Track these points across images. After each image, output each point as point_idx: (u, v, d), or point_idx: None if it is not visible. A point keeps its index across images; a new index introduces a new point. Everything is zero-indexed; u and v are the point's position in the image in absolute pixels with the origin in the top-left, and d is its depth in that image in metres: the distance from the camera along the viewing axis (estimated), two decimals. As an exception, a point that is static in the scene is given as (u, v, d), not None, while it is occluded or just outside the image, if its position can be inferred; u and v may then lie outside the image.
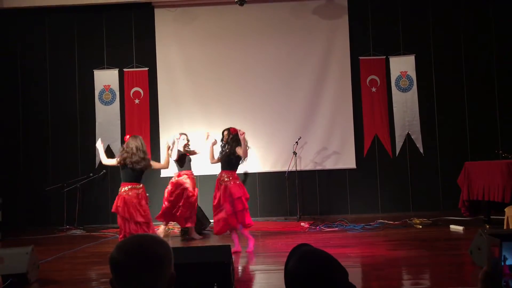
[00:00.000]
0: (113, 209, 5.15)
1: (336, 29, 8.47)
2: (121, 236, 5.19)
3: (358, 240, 5.97)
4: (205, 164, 6.67)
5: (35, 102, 8.59)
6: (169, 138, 6.72)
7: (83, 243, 6.44)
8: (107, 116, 8.54)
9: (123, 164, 5.13)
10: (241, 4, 7.38)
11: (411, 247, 5.39)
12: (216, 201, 5.61)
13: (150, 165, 5.31)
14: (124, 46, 8.59)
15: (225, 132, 5.77)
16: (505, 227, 5.31)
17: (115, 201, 5.14)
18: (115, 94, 8.58)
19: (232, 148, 5.61)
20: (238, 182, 5.61)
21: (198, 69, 8.52)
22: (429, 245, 5.44)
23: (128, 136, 5.36)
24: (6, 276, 3.96)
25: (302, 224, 7.25)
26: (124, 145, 5.23)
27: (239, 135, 5.57)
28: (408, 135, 8.33)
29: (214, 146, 5.97)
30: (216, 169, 6.01)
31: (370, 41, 8.47)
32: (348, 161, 8.31)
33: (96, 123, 8.51)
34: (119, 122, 8.53)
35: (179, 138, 6.74)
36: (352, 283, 1.27)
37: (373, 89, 8.40)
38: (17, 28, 8.58)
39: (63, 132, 8.52)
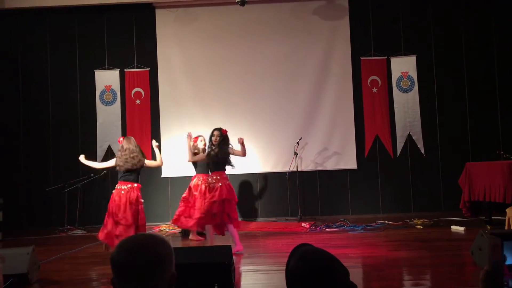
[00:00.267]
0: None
1: (337, 30, 8.47)
2: (101, 231, 5.32)
3: (359, 240, 5.97)
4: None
5: (36, 103, 8.59)
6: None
7: (84, 243, 6.44)
8: (108, 117, 8.54)
9: (118, 166, 5.43)
10: (242, 5, 7.39)
11: (412, 247, 5.39)
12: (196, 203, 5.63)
13: (142, 164, 5.52)
14: (125, 46, 8.60)
15: (216, 132, 5.70)
16: (506, 227, 5.30)
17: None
18: (116, 94, 8.59)
19: (222, 149, 5.63)
20: (227, 183, 5.65)
21: (199, 69, 8.53)
22: (430, 246, 5.44)
23: (121, 138, 5.62)
24: (6, 276, 3.96)
25: (303, 224, 7.24)
26: (119, 148, 5.52)
27: (239, 142, 5.68)
28: (409, 136, 8.32)
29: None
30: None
31: (371, 41, 8.47)
32: (349, 162, 8.30)
33: (97, 124, 8.52)
34: (120, 122, 8.53)
35: (196, 139, 6.61)
36: (353, 282, 1.26)
37: (374, 90, 8.40)
38: (18, 28, 8.59)
39: (64, 133, 8.53)
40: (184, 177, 7.57)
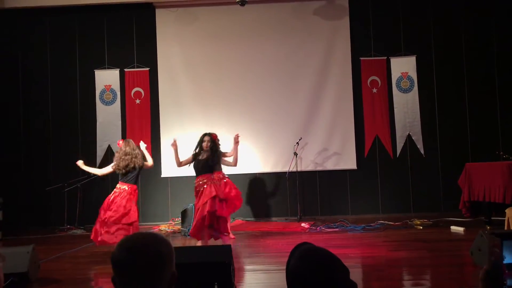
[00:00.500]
0: None
1: (337, 30, 8.47)
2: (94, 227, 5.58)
3: (359, 240, 5.97)
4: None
5: (36, 102, 8.59)
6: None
7: (84, 242, 6.44)
8: (108, 116, 8.54)
9: (117, 169, 5.69)
10: (242, 5, 7.39)
11: (411, 248, 5.39)
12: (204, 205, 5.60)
13: (136, 167, 5.68)
14: (125, 46, 8.60)
15: (207, 138, 5.83)
16: (505, 228, 5.31)
17: None
18: (116, 94, 8.59)
19: (213, 155, 5.76)
20: (225, 180, 5.84)
21: (199, 69, 8.53)
22: (430, 246, 5.44)
23: (121, 142, 5.89)
24: (7, 275, 3.96)
25: (303, 224, 7.24)
26: (118, 151, 5.76)
27: (235, 138, 5.90)
28: (409, 136, 8.33)
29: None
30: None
31: (371, 41, 8.47)
32: (349, 162, 8.31)
33: (97, 123, 8.52)
34: (120, 122, 8.54)
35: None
36: (353, 281, 1.27)
37: (374, 90, 8.40)
38: (18, 28, 8.59)
39: (64, 132, 8.53)
40: (184, 177, 7.57)
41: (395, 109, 8.36)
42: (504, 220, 5.39)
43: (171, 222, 8.04)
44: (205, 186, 5.62)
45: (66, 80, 8.60)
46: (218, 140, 5.99)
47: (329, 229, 6.87)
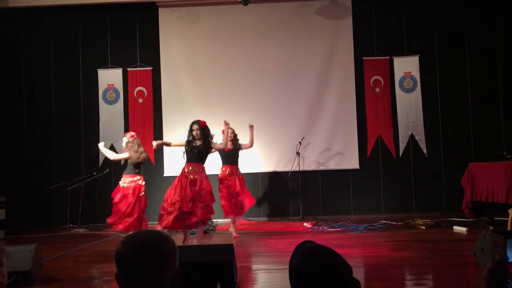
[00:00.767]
0: None
1: (340, 30, 8.47)
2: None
3: (361, 240, 5.96)
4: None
5: (39, 101, 8.61)
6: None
7: (86, 241, 6.46)
8: (110, 115, 8.56)
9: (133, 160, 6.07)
10: (245, 4, 7.39)
11: (414, 248, 5.38)
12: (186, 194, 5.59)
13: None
14: (128, 45, 8.62)
15: (195, 126, 5.75)
16: (508, 228, 5.29)
17: None
18: (119, 93, 8.61)
19: (205, 142, 5.72)
20: (205, 175, 5.82)
21: (201, 69, 8.54)
22: (432, 246, 5.43)
23: (134, 134, 6.23)
24: (10, 274, 3.97)
25: (305, 224, 7.24)
26: (131, 144, 6.07)
27: (225, 125, 5.94)
28: (412, 136, 8.31)
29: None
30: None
31: (374, 41, 8.46)
32: (351, 162, 8.30)
33: (100, 122, 8.54)
34: (122, 121, 8.56)
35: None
36: (356, 279, 1.27)
37: (377, 90, 8.39)
38: (21, 27, 8.61)
39: (67, 131, 8.55)
40: (187, 176, 7.55)
41: (398, 109, 8.35)
42: (507, 220, 5.38)
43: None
44: (196, 176, 5.65)
45: (69, 80, 8.62)
46: (208, 128, 5.86)
47: (331, 228, 6.86)
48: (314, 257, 1.30)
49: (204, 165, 5.87)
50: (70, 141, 8.51)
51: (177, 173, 8.16)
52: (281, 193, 8.35)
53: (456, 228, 6.40)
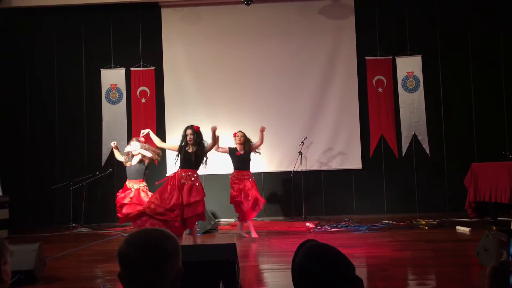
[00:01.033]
0: None
1: (343, 29, 8.46)
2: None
3: (364, 240, 5.95)
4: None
5: (42, 101, 8.64)
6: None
7: (89, 241, 6.48)
8: (113, 115, 8.58)
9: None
10: (248, 4, 7.39)
11: (416, 248, 5.37)
12: (174, 200, 5.43)
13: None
14: (131, 45, 8.63)
15: (189, 131, 5.61)
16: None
17: None
18: (122, 93, 8.62)
19: (199, 148, 5.60)
20: (198, 182, 5.63)
21: (204, 68, 8.55)
22: (435, 246, 5.41)
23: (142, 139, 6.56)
24: (13, 273, 3.98)
25: (308, 224, 7.23)
26: (148, 145, 6.63)
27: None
28: (415, 136, 8.30)
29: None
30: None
31: (376, 41, 8.45)
32: (354, 162, 8.29)
33: (103, 122, 8.56)
34: (125, 121, 8.57)
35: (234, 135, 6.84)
36: (359, 277, 1.27)
37: (380, 90, 8.38)
38: (24, 27, 8.63)
39: (70, 131, 8.57)
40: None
41: (400, 109, 8.34)
42: (510, 220, 5.37)
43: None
44: (191, 183, 5.49)
45: (72, 79, 8.64)
46: (201, 133, 5.71)
47: (334, 228, 6.86)
48: (317, 255, 1.30)
49: (197, 171, 5.69)
50: (73, 141, 8.53)
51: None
52: (284, 193, 8.35)
53: (459, 228, 6.38)
